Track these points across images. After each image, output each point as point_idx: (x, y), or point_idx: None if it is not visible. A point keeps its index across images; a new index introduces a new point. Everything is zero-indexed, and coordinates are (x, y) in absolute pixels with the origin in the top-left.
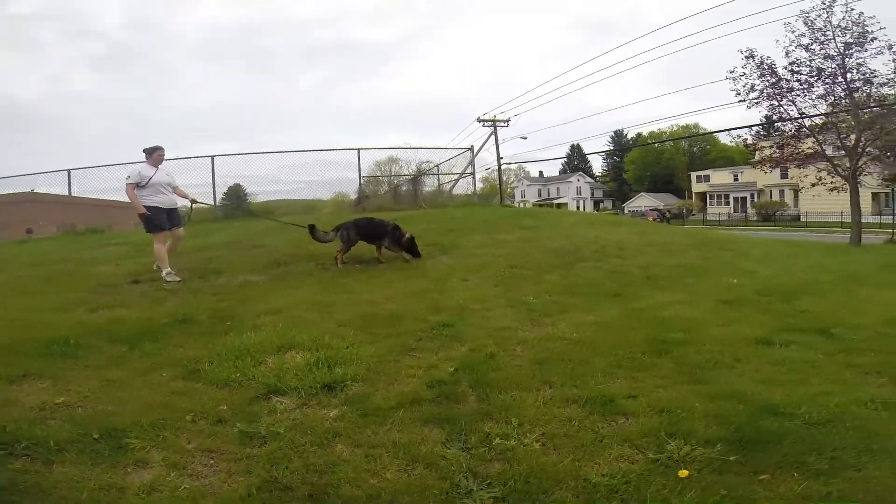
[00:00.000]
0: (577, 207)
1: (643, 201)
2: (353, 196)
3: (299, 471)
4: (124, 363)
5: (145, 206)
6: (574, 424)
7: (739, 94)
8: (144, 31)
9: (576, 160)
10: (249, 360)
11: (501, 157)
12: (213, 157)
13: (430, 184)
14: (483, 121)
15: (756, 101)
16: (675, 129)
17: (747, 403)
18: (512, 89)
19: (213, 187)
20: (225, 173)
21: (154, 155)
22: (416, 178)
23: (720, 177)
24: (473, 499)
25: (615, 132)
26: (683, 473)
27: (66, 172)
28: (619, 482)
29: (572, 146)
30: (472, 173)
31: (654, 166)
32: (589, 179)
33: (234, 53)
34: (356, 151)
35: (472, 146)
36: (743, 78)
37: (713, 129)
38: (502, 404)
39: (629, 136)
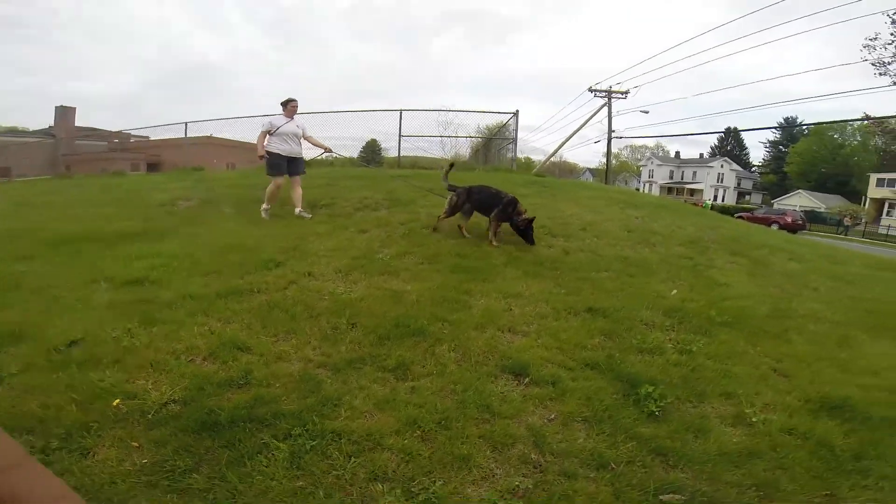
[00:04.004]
0: (715, 197)
1: (799, 200)
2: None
3: None
4: None
5: (268, 152)
6: None
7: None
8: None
9: (729, 145)
10: None
11: (614, 131)
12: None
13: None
14: (596, 91)
15: None
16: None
17: None
18: (651, 65)
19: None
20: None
21: (288, 106)
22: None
23: None
24: None
25: (785, 118)
26: None
27: (232, 120)
28: None
29: (727, 129)
30: (514, 139)
31: (827, 162)
32: (736, 167)
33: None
34: (398, 112)
35: (517, 110)
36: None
37: None
38: None
39: (803, 125)
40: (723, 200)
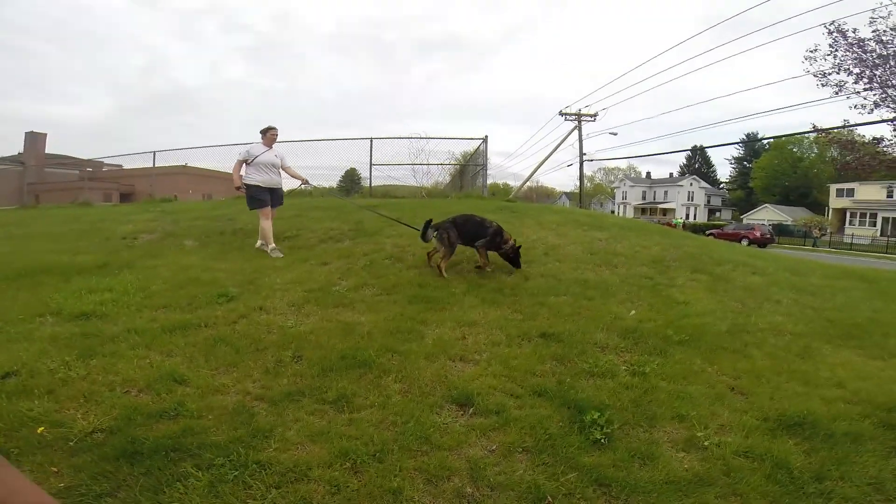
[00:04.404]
0: (687, 215)
1: (766, 214)
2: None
3: None
4: None
5: (246, 183)
6: None
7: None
8: (284, 25)
9: (697, 163)
10: None
11: (585, 154)
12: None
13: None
14: (566, 114)
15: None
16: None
17: None
18: (619, 85)
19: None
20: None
21: (268, 135)
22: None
23: (868, 191)
24: None
25: (746, 134)
26: None
27: (208, 149)
28: None
29: (694, 148)
30: (483, 164)
31: (788, 175)
32: (705, 184)
33: (357, 46)
34: (369, 140)
35: (486, 136)
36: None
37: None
38: None
39: (763, 140)
40: (694, 218)
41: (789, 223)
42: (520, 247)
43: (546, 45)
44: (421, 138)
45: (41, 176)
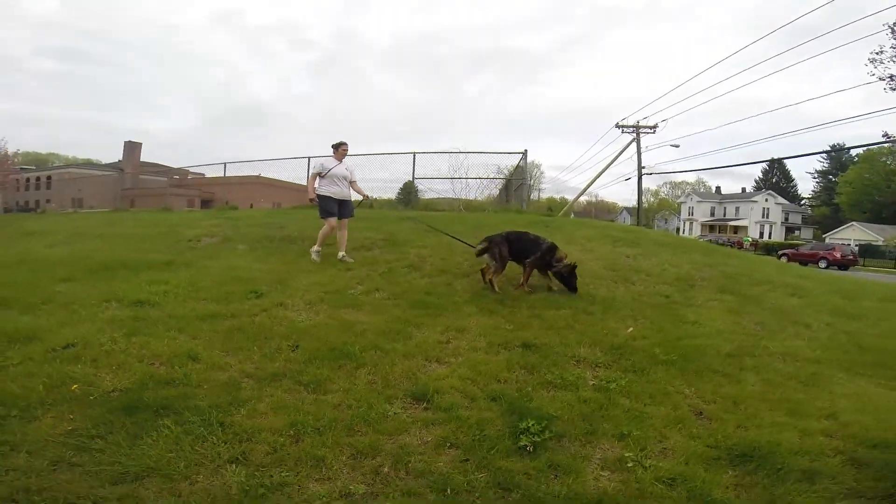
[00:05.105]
0: (760, 234)
1: (853, 233)
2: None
3: None
4: None
5: (319, 195)
6: None
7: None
8: (346, 41)
9: (774, 177)
10: None
11: (644, 167)
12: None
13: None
14: (623, 127)
15: None
16: None
17: None
18: (680, 95)
19: None
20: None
21: (339, 149)
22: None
23: None
24: None
25: (832, 146)
26: None
27: (274, 162)
28: None
29: (772, 161)
30: (524, 178)
31: (881, 190)
32: (782, 200)
33: (413, 61)
34: (412, 155)
35: (525, 150)
36: None
37: None
38: None
39: (849, 149)
40: (769, 237)
41: (880, 243)
42: (576, 266)
43: (606, 56)
44: (460, 153)
45: (136, 182)
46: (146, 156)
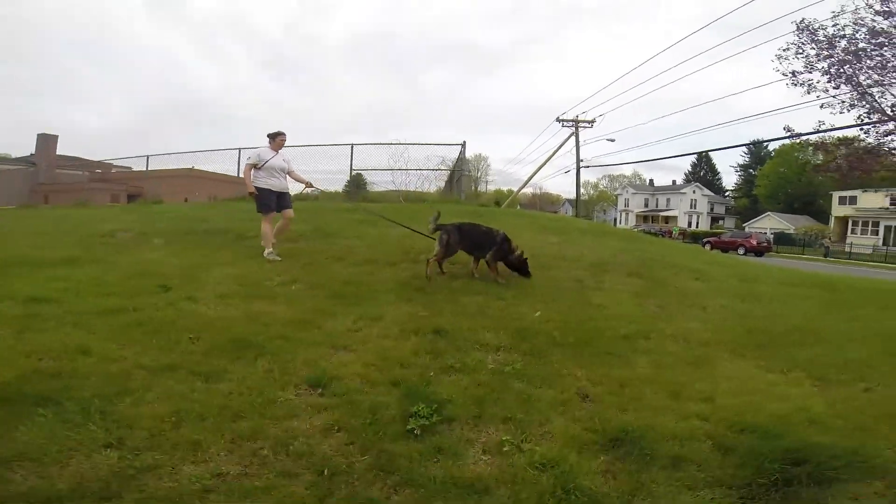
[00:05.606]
0: (689, 224)
1: (769, 222)
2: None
3: None
4: None
5: (256, 187)
6: None
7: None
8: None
9: (702, 170)
10: None
11: (583, 160)
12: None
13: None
14: (563, 121)
15: None
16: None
17: None
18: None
19: None
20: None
21: (277, 139)
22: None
23: (871, 199)
24: None
25: (752, 141)
26: None
27: (225, 152)
28: None
29: (700, 155)
30: (461, 170)
31: (793, 183)
32: (708, 192)
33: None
34: (349, 146)
35: (464, 142)
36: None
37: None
38: None
39: (770, 148)
40: (696, 226)
41: (791, 232)
42: (526, 258)
43: (556, 53)
44: (400, 144)
45: (52, 177)
46: (74, 151)
